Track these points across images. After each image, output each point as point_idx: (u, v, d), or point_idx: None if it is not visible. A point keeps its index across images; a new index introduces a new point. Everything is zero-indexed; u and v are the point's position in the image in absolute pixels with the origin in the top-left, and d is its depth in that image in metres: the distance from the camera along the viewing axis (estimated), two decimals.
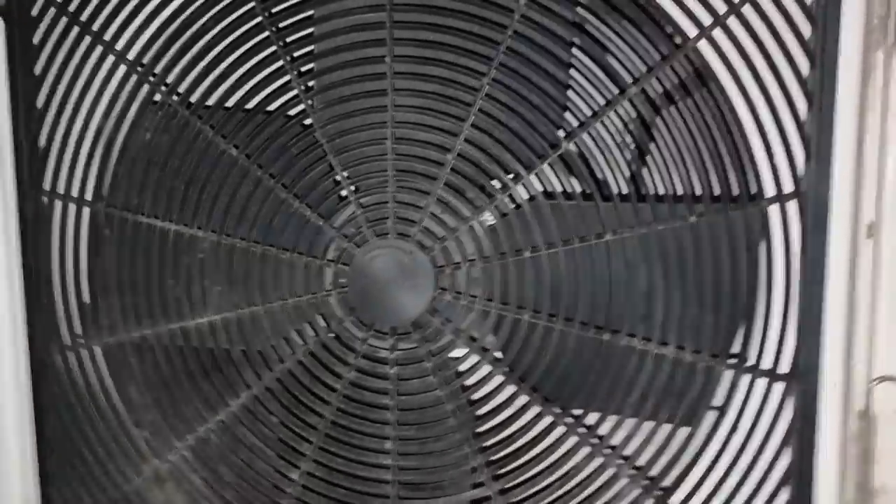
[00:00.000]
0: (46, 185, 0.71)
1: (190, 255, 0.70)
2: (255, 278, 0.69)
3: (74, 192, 0.71)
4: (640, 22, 0.61)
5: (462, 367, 0.68)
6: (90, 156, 0.70)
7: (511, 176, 0.64)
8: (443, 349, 0.67)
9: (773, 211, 0.60)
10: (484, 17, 0.62)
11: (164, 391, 0.72)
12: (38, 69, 0.70)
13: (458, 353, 0.68)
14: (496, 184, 0.64)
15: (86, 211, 0.71)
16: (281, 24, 0.66)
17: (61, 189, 0.71)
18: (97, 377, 0.73)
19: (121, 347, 0.72)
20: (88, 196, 0.71)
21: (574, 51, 0.62)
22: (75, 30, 0.69)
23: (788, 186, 0.60)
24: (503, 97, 0.63)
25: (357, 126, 0.65)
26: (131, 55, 0.69)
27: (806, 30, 0.58)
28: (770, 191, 0.60)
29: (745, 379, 0.63)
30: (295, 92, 0.66)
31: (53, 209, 0.72)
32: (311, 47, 0.66)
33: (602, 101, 0.62)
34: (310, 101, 0.66)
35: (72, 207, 0.71)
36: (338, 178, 0.67)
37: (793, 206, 0.60)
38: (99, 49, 0.69)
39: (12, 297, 0.73)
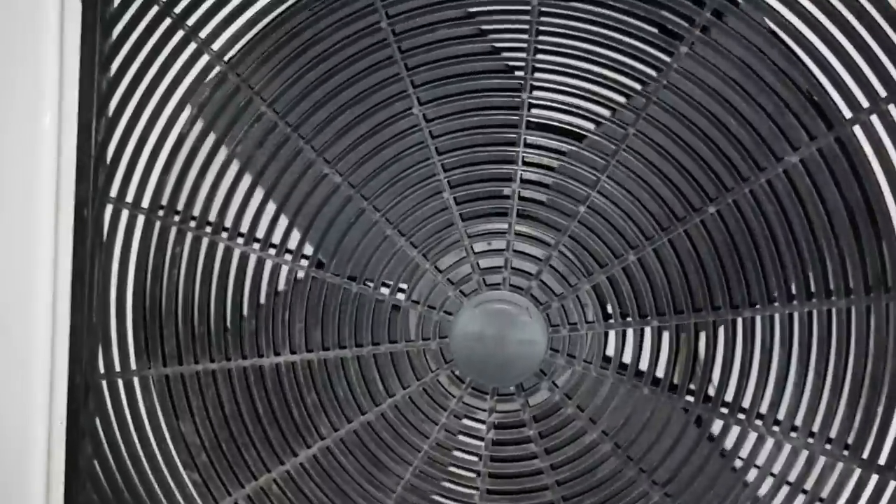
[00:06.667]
0: (113, 193, 0.64)
1: (271, 285, 0.63)
2: (347, 319, 0.62)
3: (144, 203, 0.64)
4: (789, 98, 0.56)
5: (566, 435, 0.62)
6: (168, 165, 0.63)
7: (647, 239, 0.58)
8: (548, 415, 0.61)
9: None
10: (632, 67, 0.57)
11: (223, 432, 0.64)
12: (114, 69, 0.63)
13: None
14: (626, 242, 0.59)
15: (156, 225, 0.64)
16: (407, 49, 0.59)
17: (130, 198, 0.64)
18: (147, 409, 0.65)
19: (179, 380, 0.64)
20: (161, 209, 0.63)
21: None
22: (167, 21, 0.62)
23: None
24: (646, 152, 0.58)
25: (481, 160, 0.60)
26: (226, 56, 0.62)
27: None
28: None
29: (875, 478, 0.58)
30: (415, 120, 0.60)
31: (119, 219, 0.64)
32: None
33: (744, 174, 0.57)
34: (429, 130, 0.60)
35: (140, 219, 0.64)
36: (452, 215, 0.60)
37: None
38: (188, 42, 0.62)
39: (55, 311, 0.65)
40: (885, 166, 0.56)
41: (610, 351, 0.61)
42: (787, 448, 0.58)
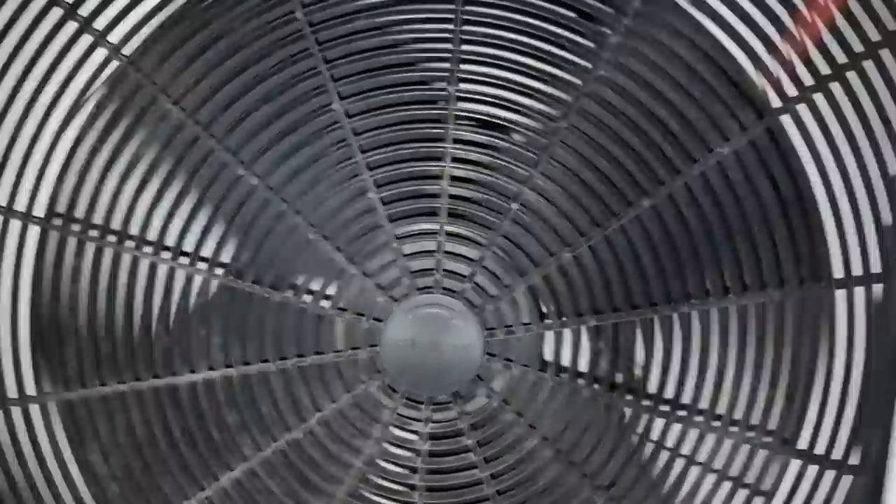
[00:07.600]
0: (2, 202, 0.58)
1: (186, 297, 0.58)
2: (269, 330, 0.58)
3: (38, 212, 0.58)
4: (719, 88, 0.55)
5: (505, 443, 0.59)
6: (64, 169, 0.57)
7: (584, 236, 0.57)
8: (486, 423, 0.59)
9: (858, 293, 0.57)
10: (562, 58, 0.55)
11: (136, 459, 0.59)
12: None
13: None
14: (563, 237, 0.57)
15: (52, 236, 0.58)
16: (325, 41, 0.56)
17: (21, 207, 0.58)
18: (48, 439, 0.59)
19: (84, 405, 0.59)
20: (57, 218, 0.58)
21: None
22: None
23: (857, 270, 0.56)
24: (580, 146, 0.56)
25: (408, 157, 0.56)
26: (126, 50, 0.57)
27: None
28: (847, 273, 0.56)
29: (812, 469, 0.58)
30: (336, 117, 0.56)
31: (7, 231, 0.58)
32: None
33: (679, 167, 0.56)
34: (351, 127, 0.56)
35: (33, 230, 0.58)
36: (378, 216, 0.57)
37: (878, 289, 0.57)
38: (81, 34, 0.56)
39: None
40: (814, 155, 0.55)
41: (548, 353, 0.59)
42: (727, 443, 0.58)
